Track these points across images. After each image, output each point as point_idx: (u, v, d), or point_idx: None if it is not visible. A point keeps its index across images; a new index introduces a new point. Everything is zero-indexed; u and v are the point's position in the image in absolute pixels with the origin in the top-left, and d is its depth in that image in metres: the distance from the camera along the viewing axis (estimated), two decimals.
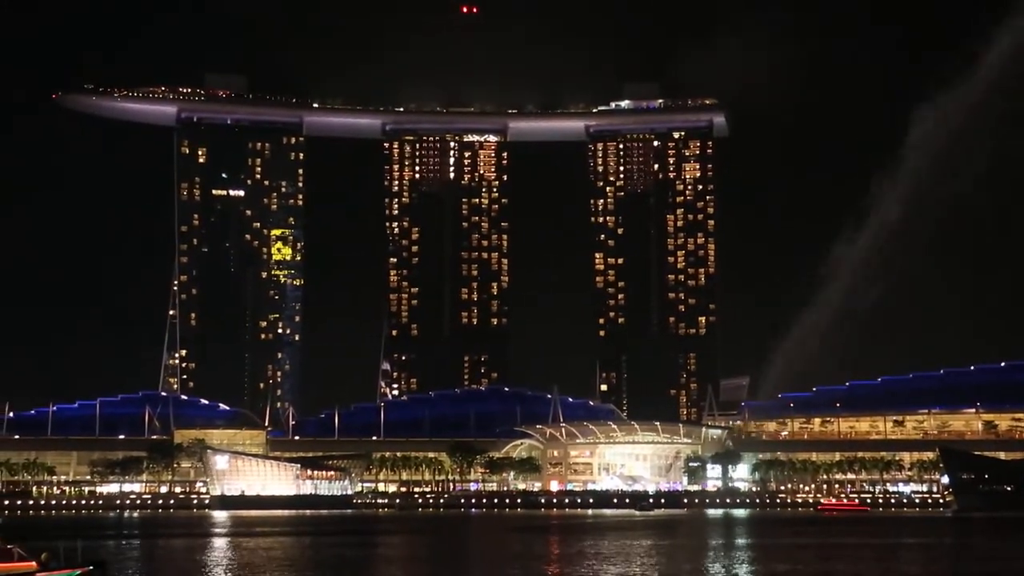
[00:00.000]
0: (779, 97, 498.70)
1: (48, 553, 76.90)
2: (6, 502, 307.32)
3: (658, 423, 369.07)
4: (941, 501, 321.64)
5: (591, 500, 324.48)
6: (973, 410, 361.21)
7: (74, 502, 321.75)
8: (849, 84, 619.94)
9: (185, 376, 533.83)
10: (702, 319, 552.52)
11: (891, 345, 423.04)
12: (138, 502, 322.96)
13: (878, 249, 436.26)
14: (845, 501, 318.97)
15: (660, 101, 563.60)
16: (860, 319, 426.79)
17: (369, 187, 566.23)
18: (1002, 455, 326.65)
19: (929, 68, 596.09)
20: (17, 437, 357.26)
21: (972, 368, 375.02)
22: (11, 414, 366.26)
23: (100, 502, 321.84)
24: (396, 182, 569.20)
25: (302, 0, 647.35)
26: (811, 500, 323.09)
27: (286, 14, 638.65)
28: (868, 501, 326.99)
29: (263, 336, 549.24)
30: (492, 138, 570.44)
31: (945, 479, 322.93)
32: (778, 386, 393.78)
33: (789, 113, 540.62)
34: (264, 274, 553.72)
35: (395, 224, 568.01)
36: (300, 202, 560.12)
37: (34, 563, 73.62)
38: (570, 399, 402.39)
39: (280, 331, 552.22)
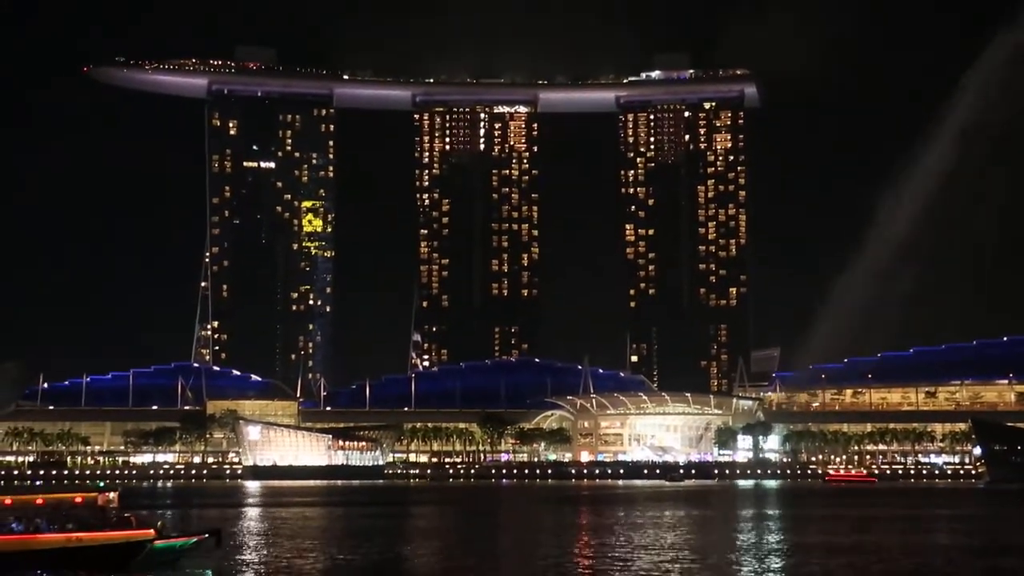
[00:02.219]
0: (811, 67, 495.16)
1: (164, 521, 77.98)
2: (41, 472, 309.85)
3: (689, 394, 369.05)
4: (973, 473, 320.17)
5: (621, 471, 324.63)
6: (1006, 381, 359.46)
7: (108, 472, 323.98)
8: (882, 53, 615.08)
9: (217, 347, 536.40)
10: (733, 290, 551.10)
11: (924, 316, 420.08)
12: (171, 472, 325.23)
13: (910, 220, 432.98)
14: (853, 472, 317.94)
15: (691, 71, 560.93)
16: (893, 290, 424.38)
17: (399, 158, 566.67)
18: None
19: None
20: (51, 408, 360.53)
21: (1005, 339, 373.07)
22: (45, 385, 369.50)
23: (134, 472, 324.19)
24: (426, 153, 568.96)
25: None
26: (820, 471, 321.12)
27: None
28: (899, 472, 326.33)
29: (294, 307, 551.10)
30: (522, 109, 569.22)
31: (977, 450, 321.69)
32: (809, 357, 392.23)
33: (821, 83, 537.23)
34: (295, 246, 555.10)
35: (425, 195, 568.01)
36: (330, 174, 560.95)
37: (152, 531, 74.24)
38: (600, 370, 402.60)
39: (311, 302, 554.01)
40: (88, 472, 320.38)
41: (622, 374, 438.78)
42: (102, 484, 75.61)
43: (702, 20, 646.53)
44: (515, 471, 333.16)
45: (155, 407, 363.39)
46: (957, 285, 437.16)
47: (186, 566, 75.69)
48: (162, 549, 74.03)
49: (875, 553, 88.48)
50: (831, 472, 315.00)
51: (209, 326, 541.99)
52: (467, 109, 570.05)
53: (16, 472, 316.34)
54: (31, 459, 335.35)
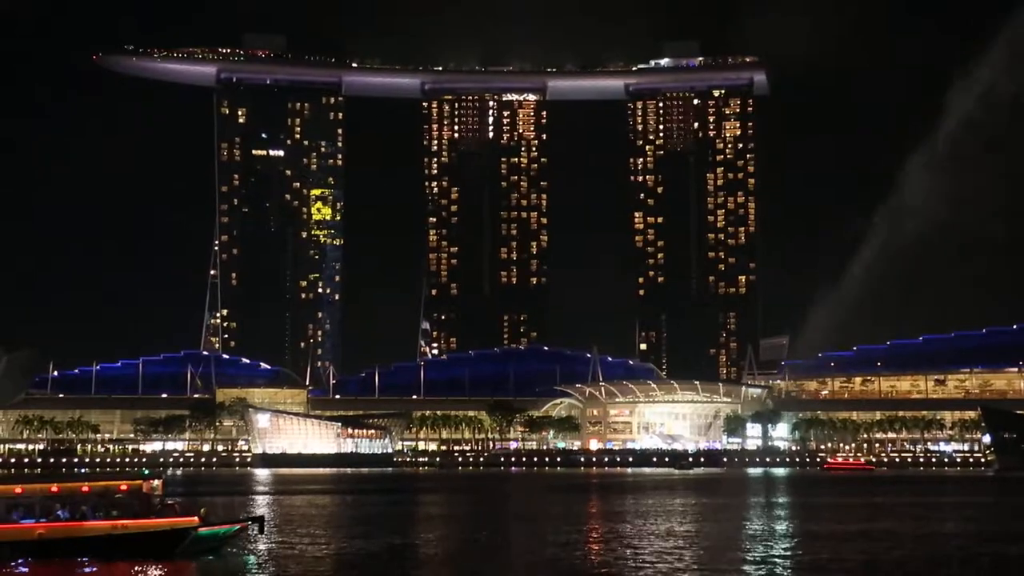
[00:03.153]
0: (820, 55, 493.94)
1: (206, 508, 78.49)
2: (51, 460, 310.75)
3: (698, 382, 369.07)
4: (982, 460, 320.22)
5: (630, 459, 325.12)
6: (1016, 369, 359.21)
7: (118, 460, 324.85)
8: (890, 42, 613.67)
9: (226, 335, 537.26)
10: (742, 278, 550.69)
11: (932, 304, 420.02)
12: (181, 460, 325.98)
13: (919, 209, 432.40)
14: (851, 460, 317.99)
15: (700, 59, 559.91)
16: (901, 278, 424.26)
17: (408, 147, 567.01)
18: None
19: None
20: (61, 396, 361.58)
21: (1015, 327, 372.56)
22: (55, 373, 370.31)
23: (143, 460, 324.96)
24: (435, 141, 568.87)
25: None
26: (817, 459, 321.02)
27: None
28: (908, 460, 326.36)
29: (303, 295, 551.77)
30: (531, 97, 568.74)
31: (987, 438, 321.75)
32: (818, 345, 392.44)
33: (830, 71, 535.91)
34: (304, 234, 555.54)
35: (434, 184, 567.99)
36: (339, 162, 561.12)
37: (196, 518, 74.75)
38: (609, 358, 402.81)
39: (320, 290, 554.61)
40: (98, 460, 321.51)
41: (631, 362, 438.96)
42: (147, 472, 76.49)
43: (711, 7, 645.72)
44: (524, 459, 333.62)
45: (165, 395, 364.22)
46: (965, 272, 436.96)
47: (229, 553, 76.22)
48: (206, 536, 74.52)
49: (885, 540, 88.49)
50: (829, 460, 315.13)
51: (218, 314, 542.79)
52: (476, 97, 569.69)
53: (27, 460, 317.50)
54: (41, 447, 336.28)
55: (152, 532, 72.75)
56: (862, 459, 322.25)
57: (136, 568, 69.17)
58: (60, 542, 71.61)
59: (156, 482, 75.85)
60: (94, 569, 69.27)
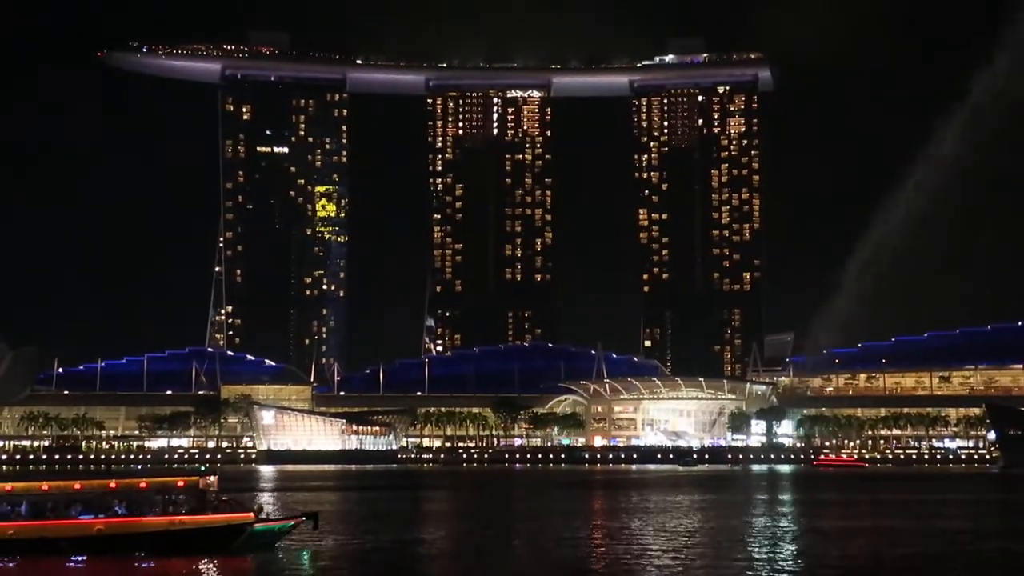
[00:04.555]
0: (825, 51, 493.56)
1: (260, 504, 79.18)
2: (56, 456, 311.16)
3: (702, 379, 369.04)
4: (987, 457, 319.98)
5: (635, 456, 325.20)
6: (1020, 366, 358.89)
7: (123, 457, 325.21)
8: (896, 37, 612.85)
9: (231, 332, 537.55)
10: (747, 275, 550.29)
11: (936, 300, 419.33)
12: (186, 457, 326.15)
13: (924, 204, 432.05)
14: (844, 457, 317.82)
15: (705, 55, 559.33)
16: (906, 274, 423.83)
17: (412, 143, 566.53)
18: None
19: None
20: (66, 392, 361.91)
21: (1020, 324, 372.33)
22: (60, 370, 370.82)
23: (148, 457, 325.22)
24: (439, 138, 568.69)
25: None
26: (810, 455, 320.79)
27: None
28: (913, 457, 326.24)
29: (308, 292, 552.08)
30: (535, 93, 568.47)
31: (991, 435, 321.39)
32: (823, 342, 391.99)
33: (835, 67, 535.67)
34: (309, 231, 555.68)
35: (438, 180, 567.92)
36: (344, 159, 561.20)
37: (251, 514, 75.63)
38: (614, 355, 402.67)
39: (325, 287, 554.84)
40: (103, 457, 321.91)
41: (635, 359, 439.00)
42: (203, 468, 77.53)
43: (716, 4, 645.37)
44: (528, 455, 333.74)
45: (169, 392, 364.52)
46: (970, 269, 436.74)
47: (284, 548, 76.76)
48: (261, 532, 75.56)
49: (890, 537, 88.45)
50: (820, 457, 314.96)
51: (223, 311, 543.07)
52: (480, 94, 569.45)
53: (31, 457, 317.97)
54: (46, 444, 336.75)
55: (209, 528, 73.81)
56: (854, 456, 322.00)
57: (193, 564, 69.95)
58: (118, 538, 72.63)
59: (212, 478, 76.67)
60: (151, 565, 70.06)
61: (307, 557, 75.05)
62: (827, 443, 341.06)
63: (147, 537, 72.85)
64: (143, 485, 75.64)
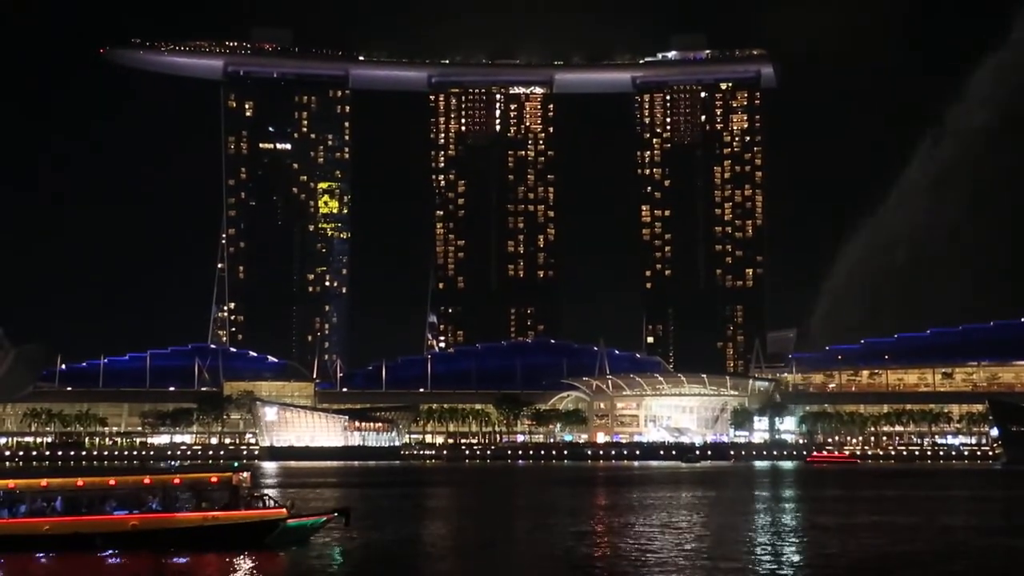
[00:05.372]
0: (827, 47, 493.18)
1: (293, 499, 79.66)
2: (59, 453, 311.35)
3: (705, 375, 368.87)
4: (990, 453, 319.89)
5: (637, 452, 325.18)
6: (1023, 362, 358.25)
7: (126, 453, 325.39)
8: (898, 34, 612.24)
9: (234, 328, 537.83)
10: (749, 271, 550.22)
11: (939, 297, 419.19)
12: (188, 453, 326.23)
13: (926, 201, 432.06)
14: (836, 453, 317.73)
15: (707, 52, 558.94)
16: (908, 271, 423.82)
17: (415, 140, 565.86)
18: None
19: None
20: (69, 389, 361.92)
21: (1023, 320, 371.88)
22: (63, 366, 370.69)
23: (151, 453, 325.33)
24: (442, 135, 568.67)
25: None
26: (804, 452, 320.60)
27: None
28: (916, 453, 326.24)
29: (311, 289, 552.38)
30: (538, 90, 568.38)
31: (994, 431, 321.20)
32: (825, 338, 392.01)
33: (838, 64, 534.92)
34: (311, 227, 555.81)
35: (441, 177, 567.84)
36: (346, 155, 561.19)
37: (284, 509, 76.06)
38: (616, 351, 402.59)
39: (327, 284, 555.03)
40: (106, 453, 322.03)
41: (638, 355, 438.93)
42: (236, 464, 78.19)
43: (719, 0, 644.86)
44: (531, 452, 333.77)
45: (172, 388, 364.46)
46: (974, 265, 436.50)
47: (316, 544, 77.19)
48: (294, 527, 75.98)
49: (892, 534, 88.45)
50: (813, 453, 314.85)
51: (226, 307, 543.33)
52: (483, 90, 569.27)
53: (35, 453, 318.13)
54: (49, 440, 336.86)
55: (242, 524, 74.31)
56: (846, 452, 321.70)
57: (227, 559, 70.41)
58: (153, 533, 73.15)
59: (245, 474, 77.18)
60: (186, 560, 70.43)
61: (339, 553, 75.36)
62: (830, 439, 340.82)
63: (181, 532, 73.42)
64: (177, 481, 76.11)
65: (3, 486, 75.51)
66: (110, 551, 71.59)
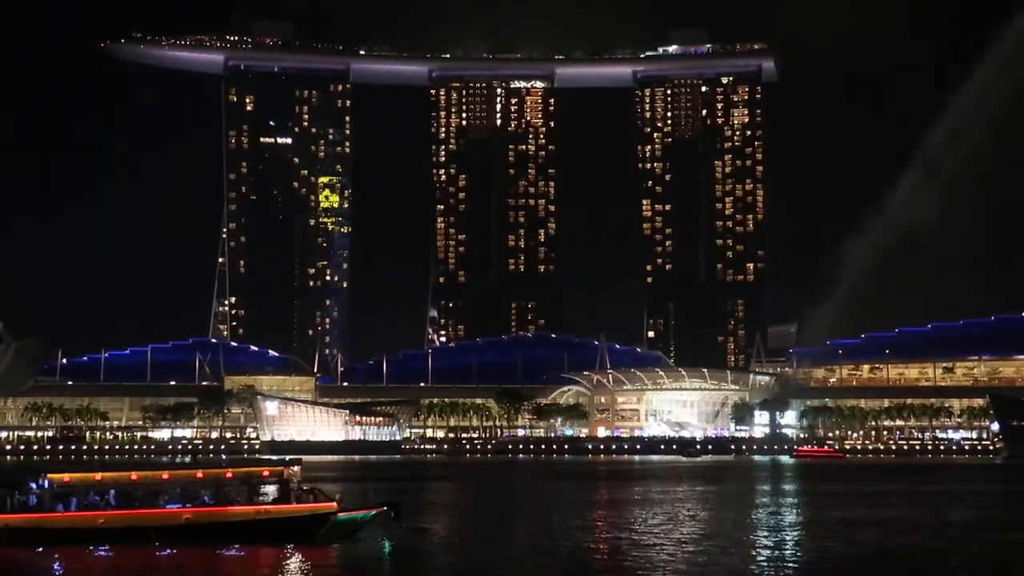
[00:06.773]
0: (828, 41, 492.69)
1: (341, 494, 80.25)
2: (60, 447, 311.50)
3: (705, 370, 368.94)
4: (991, 448, 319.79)
5: (638, 446, 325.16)
6: None
7: (127, 447, 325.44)
8: (900, 28, 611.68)
9: (235, 323, 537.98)
10: (750, 265, 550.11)
11: (940, 291, 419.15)
12: (189, 447, 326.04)
13: (927, 195, 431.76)
14: (826, 448, 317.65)
15: (708, 46, 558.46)
16: (910, 265, 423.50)
17: (416, 134, 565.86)
18: None
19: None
20: (70, 383, 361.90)
21: (1023, 314, 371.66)
22: (64, 361, 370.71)
23: (152, 447, 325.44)
24: (443, 129, 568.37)
25: None
26: (791, 447, 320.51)
27: None
28: (916, 448, 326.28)
29: (311, 283, 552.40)
30: (539, 84, 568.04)
31: (995, 426, 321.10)
32: (826, 332, 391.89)
33: (838, 58, 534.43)
34: (312, 221, 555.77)
35: (442, 171, 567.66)
36: (347, 149, 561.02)
37: (334, 503, 76.92)
38: (617, 346, 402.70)
39: (328, 278, 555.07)
40: (107, 448, 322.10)
41: (639, 349, 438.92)
42: (288, 459, 78.93)
43: None
44: (532, 446, 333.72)
45: (173, 382, 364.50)
46: (975, 259, 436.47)
47: (366, 537, 77.72)
48: (345, 521, 76.72)
49: (893, 527, 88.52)
50: (799, 448, 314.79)
51: (227, 302, 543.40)
52: (483, 84, 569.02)
53: (36, 447, 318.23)
54: (50, 434, 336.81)
55: (294, 517, 75.09)
56: (834, 446, 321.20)
57: (278, 552, 71.06)
58: (205, 527, 74.02)
59: (295, 468, 77.72)
60: (239, 553, 71.02)
61: (388, 547, 75.89)
62: (830, 434, 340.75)
63: (233, 526, 74.23)
64: (229, 475, 76.95)
65: (58, 480, 76.25)
66: (164, 544, 72.34)
